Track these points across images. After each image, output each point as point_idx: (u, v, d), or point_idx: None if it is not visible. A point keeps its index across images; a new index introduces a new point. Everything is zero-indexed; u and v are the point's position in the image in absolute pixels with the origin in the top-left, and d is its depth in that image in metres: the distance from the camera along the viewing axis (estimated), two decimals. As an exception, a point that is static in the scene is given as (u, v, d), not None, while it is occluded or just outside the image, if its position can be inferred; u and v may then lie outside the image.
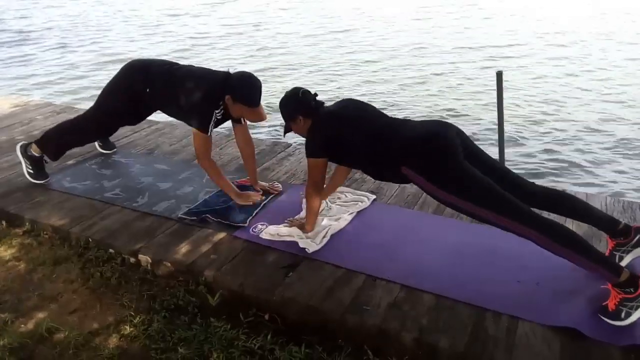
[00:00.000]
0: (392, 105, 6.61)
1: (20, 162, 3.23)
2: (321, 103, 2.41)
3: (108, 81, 3.05)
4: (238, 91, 2.56)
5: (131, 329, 2.08)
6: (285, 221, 2.62)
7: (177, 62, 2.98)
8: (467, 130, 5.13)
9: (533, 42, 9.68)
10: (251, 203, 2.78)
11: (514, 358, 1.77)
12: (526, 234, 1.98)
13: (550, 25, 11.22)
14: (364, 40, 10.49)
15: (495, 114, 3.24)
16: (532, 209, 2.04)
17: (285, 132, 2.50)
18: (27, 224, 2.84)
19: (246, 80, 2.58)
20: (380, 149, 2.21)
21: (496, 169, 2.17)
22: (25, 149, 3.21)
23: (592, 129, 5.64)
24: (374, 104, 2.46)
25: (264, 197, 2.86)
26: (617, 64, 8.07)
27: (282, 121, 2.49)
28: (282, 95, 2.44)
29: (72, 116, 3.32)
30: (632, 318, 1.84)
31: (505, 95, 3.15)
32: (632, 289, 1.85)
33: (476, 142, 2.26)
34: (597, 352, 1.78)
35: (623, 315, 1.85)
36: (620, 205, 2.78)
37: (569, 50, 9.04)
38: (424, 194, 2.90)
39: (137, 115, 3.18)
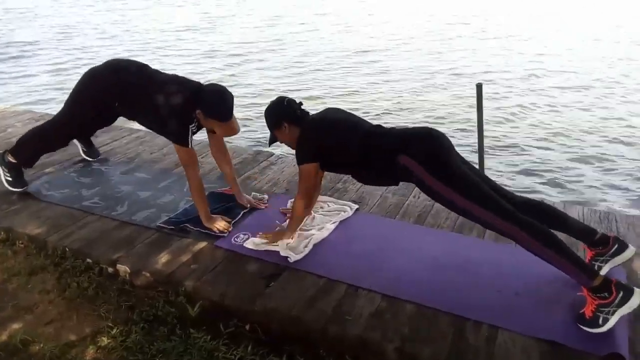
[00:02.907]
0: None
1: (-3, 171, 3.17)
2: (306, 112, 2.42)
3: (73, 87, 2.94)
4: (209, 107, 2.53)
5: (109, 340, 2.04)
6: (259, 234, 2.58)
7: (146, 65, 2.86)
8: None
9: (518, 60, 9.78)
10: (215, 230, 2.65)
11: (494, 367, 1.78)
12: (509, 230, 2.02)
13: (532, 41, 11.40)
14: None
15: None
16: None
17: (270, 142, 2.49)
18: (1, 232, 2.77)
19: (217, 96, 2.54)
20: (375, 142, 2.25)
21: (480, 178, 2.21)
22: (2, 157, 3.15)
23: (572, 140, 5.76)
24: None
25: (231, 229, 2.68)
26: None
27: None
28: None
29: None
30: (610, 324, 1.86)
31: (487, 106, 3.20)
32: (606, 294, 1.89)
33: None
34: (576, 361, 1.80)
35: (600, 321, 1.88)
36: (597, 215, 2.83)
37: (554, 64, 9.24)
38: (405, 203, 2.96)
39: (105, 121, 3.17)
